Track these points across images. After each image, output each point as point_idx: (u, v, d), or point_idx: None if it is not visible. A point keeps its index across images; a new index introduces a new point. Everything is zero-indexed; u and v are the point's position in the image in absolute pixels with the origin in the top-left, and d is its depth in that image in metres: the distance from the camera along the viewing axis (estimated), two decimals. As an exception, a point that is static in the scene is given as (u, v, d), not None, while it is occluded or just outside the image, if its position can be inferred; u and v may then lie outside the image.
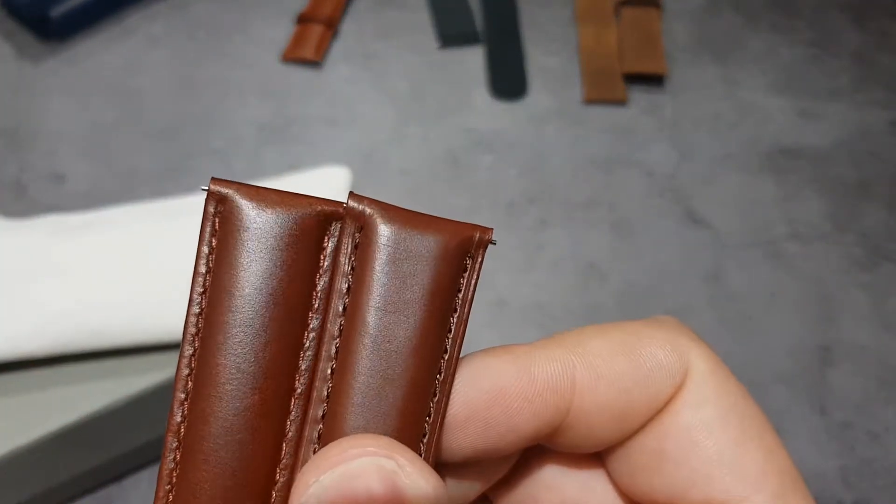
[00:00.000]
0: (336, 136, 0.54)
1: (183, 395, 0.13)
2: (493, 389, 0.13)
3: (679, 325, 0.15)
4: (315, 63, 0.58)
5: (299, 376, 0.13)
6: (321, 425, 0.13)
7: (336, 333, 0.13)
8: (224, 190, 0.13)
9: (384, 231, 0.13)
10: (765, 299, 0.46)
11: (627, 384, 0.14)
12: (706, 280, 0.47)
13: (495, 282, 0.47)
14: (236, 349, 0.12)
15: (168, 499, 0.13)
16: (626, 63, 0.57)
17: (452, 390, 0.13)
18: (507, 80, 0.57)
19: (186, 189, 0.48)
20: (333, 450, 0.12)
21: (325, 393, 0.13)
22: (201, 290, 0.13)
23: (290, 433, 0.13)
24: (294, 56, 0.58)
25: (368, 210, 0.13)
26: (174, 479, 0.13)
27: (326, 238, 0.13)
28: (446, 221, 0.13)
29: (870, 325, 0.45)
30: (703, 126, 0.55)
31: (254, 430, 0.13)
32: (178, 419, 0.13)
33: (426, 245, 0.13)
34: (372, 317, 0.13)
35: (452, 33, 0.59)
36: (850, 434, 0.41)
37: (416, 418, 0.13)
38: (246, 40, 0.59)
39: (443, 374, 0.13)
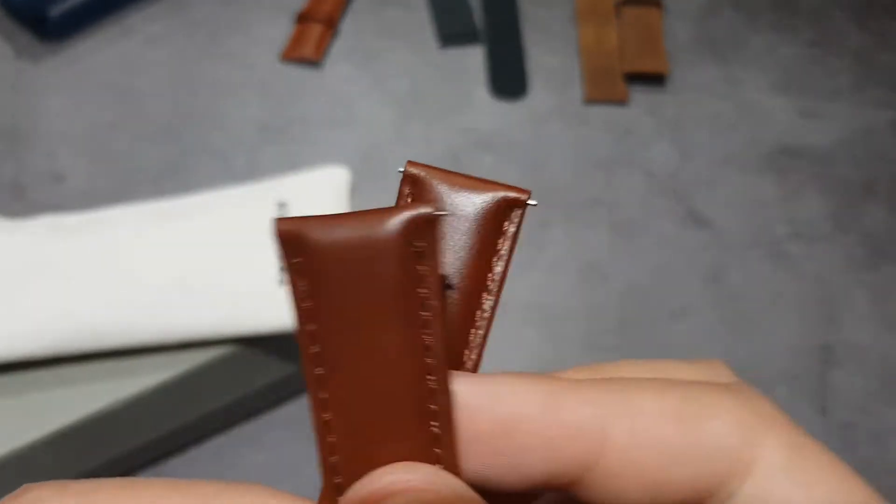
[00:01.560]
0: (336, 135, 0.54)
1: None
2: (509, 418, 0.12)
3: (755, 397, 0.13)
4: (315, 62, 0.57)
5: (470, 352, 0.13)
6: (335, 457, 0.13)
7: (314, 369, 0.13)
8: (417, 171, 0.13)
9: (323, 244, 0.12)
10: (766, 299, 0.46)
11: (671, 454, 0.12)
12: (707, 280, 0.47)
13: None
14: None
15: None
16: (627, 62, 0.57)
17: (469, 406, 0.13)
18: (508, 80, 0.57)
19: (186, 188, 0.48)
20: (373, 480, 0.12)
21: (326, 425, 0.13)
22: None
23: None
24: (294, 55, 0.57)
25: (296, 227, 0.12)
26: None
27: (507, 223, 0.13)
28: (381, 211, 0.12)
29: (872, 325, 0.45)
30: (705, 126, 0.55)
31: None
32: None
33: (371, 242, 0.12)
34: (341, 343, 0.12)
35: (452, 32, 0.59)
36: (852, 434, 0.41)
37: (418, 433, 0.12)
38: (245, 40, 0.59)
39: (434, 375, 0.12)
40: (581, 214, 0.50)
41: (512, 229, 0.14)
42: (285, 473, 0.40)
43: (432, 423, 0.12)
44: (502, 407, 0.12)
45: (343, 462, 0.13)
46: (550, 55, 0.58)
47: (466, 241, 0.13)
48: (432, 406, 0.12)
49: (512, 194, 0.14)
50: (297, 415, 0.42)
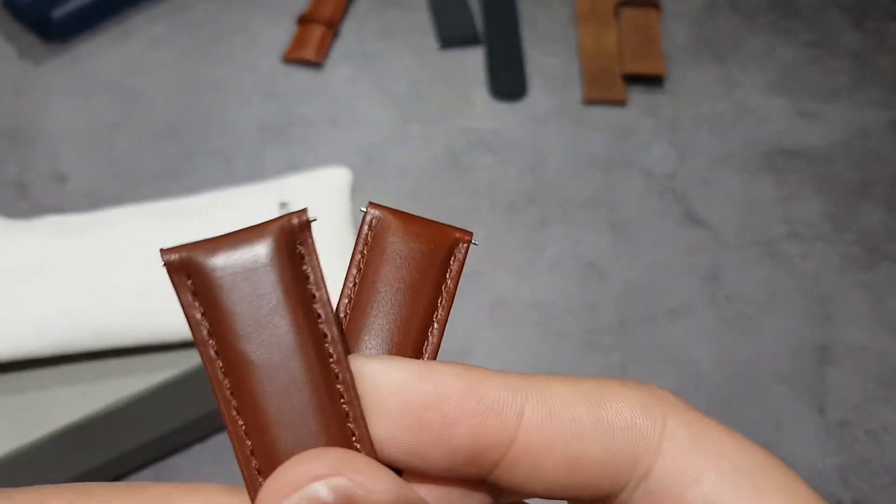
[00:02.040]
0: (337, 136, 0.54)
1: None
2: (434, 392, 0.13)
3: (656, 388, 0.14)
4: (316, 63, 0.58)
5: (425, 353, 0.15)
6: (249, 441, 0.14)
7: (221, 377, 0.14)
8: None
9: (211, 265, 0.14)
10: (764, 299, 0.46)
11: (582, 432, 0.13)
12: (705, 280, 0.47)
13: (495, 281, 0.47)
14: (378, 324, 0.15)
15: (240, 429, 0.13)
16: (626, 63, 0.57)
17: (395, 385, 0.14)
18: (507, 81, 0.57)
19: (188, 189, 0.49)
20: (286, 474, 0.12)
21: (238, 421, 0.14)
22: (352, 284, 0.15)
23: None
24: (295, 56, 0.58)
25: (185, 254, 0.14)
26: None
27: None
28: (260, 226, 0.14)
29: (868, 324, 0.45)
30: (703, 126, 0.55)
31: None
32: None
33: (254, 257, 0.14)
34: (241, 349, 0.13)
35: (452, 34, 0.60)
36: (849, 433, 0.41)
37: (330, 414, 0.14)
38: (247, 41, 0.59)
39: (335, 358, 0.14)
40: (580, 214, 0.50)
41: (460, 256, 0.16)
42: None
43: (342, 402, 0.13)
44: (428, 385, 0.13)
45: (261, 459, 0.13)
46: (550, 56, 0.59)
47: (424, 263, 0.15)
48: (339, 386, 0.13)
49: (458, 234, 0.16)
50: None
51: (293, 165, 0.52)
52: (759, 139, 0.54)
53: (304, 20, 0.60)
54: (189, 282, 0.13)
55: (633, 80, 0.57)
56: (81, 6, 0.58)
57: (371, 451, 0.13)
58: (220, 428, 0.41)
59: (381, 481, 0.12)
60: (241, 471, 0.14)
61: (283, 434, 0.13)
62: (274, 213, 0.39)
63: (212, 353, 0.13)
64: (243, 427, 0.13)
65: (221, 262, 0.13)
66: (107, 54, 0.58)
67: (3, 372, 0.36)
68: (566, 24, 0.61)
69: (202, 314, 0.13)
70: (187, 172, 0.52)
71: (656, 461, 0.13)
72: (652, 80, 0.57)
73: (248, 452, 0.13)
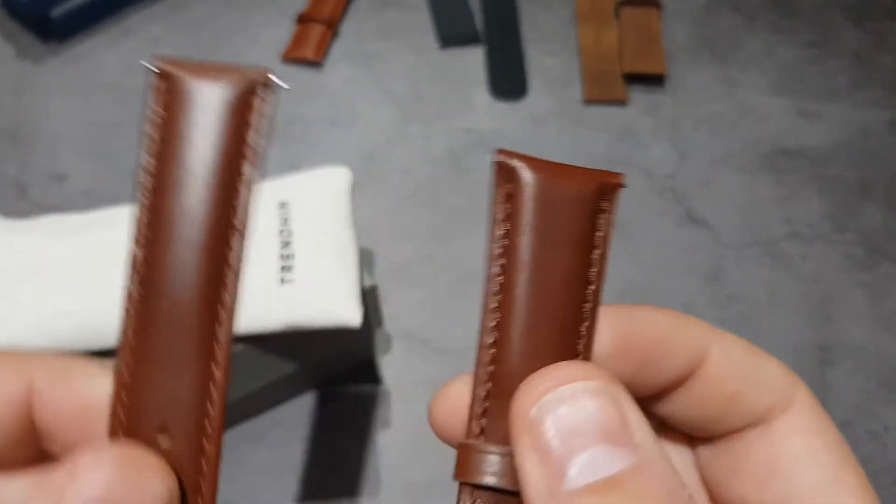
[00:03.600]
0: (337, 135, 0.54)
1: (142, 232, 0.14)
2: (657, 334, 0.16)
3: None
4: (315, 63, 0.58)
5: (236, 217, 0.14)
6: (495, 350, 0.15)
7: (498, 272, 0.15)
8: (166, 66, 0.14)
9: (532, 181, 0.15)
10: (764, 299, 0.46)
11: (747, 374, 0.16)
12: (706, 279, 0.47)
13: (495, 281, 0.47)
14: (181, 195, 0.14)
15: (129, 312, 0.14)
16: (626, 63, 0.57)
17: (624, 322, 0.16)
18: (508, 80, 0.57)
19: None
20: (560, 371, 0.14)
21: (494, 324, 0.15)
22: (153, 152, 0.14)
23: (235, 259, 0.14)
24: (294, 56, 0.58)
25: (516, 163, 0.15)
26: (135, 300, 0.14)
27: (257, 101, 0.15)
28: (582, 169, 0.15)
29: (869, 324, 0.45)
30: (703, 126, 0.55)
31: (199, 262, 0.14)
32: (136, 252, 0.14)
33: (568, 190, 0.15)
34: (528, 257, 0.15)
35: (452, 34, 0.60)
36: (850, 433, 0.41)
37: (571, 341, 0.15)
38: (246, 40, 0.59)
39: (591, 303, 0.15)
40: (580, 214, 0.50)
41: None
42: (287, 471, 0.40)
43: (578, 342, 0.15)
44: (655, 328, 0.16)
45: (498, 369, 0.15)
46: (550, 56, 0.59)
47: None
48: (582, 329, 0.15)
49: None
50: (297, 413, 0.42)
51: (293, 165, 0.52)
52: (760, 139, 0.54)
53: (303, 20, 0.59)
54: (508, 185, 0.15)
55: (634, 79, 0.57)
56: (80, 6, 0.57)
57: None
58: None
59: (633, 400, 0.14)
60: (474, 389, 0.15)
61: (525, 361, 0.14)
62: (274, 213, 0.39)
63: (500, 261, 0.15)
64: (494, 346, 0.15)
65: (541, 183, 0.15)
66: (105, 54, 0.58)
67: (2, 372, 0.36)
68: (566, 24, 0.61)
69: (507, 221, 0.15)
70: (187, 172, 0.51)
71: (783, 414, 0.16)
72: (652, 80, 0.57)
73: (488, 373, 0.15)
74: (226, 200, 0.14)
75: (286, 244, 0.38)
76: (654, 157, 0.53)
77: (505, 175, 0.15)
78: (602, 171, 0.15)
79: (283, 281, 0.37)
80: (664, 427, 0.18)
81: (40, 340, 0.36)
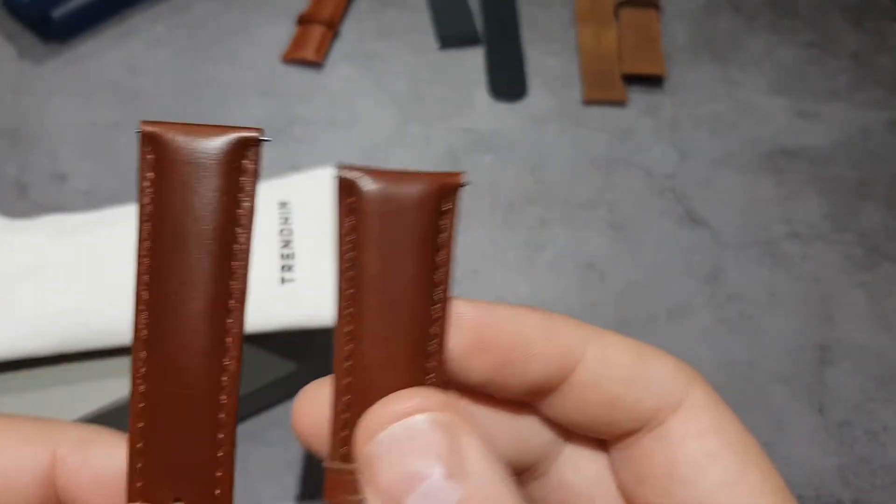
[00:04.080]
0: (337, 136, 0.54)
1: (142, 307, 0.15)
2: (520, 334, 0.16)
3: (687, 364, 0.17)
4: (316, 63, 0.58)
5: (234, 281, 0.15)
6: (350, 361, 0.15)
7: (346, 286, 0.15)
8: (153, 129, 0.14)
9: (372, 191, 0.15)
10: (764, 299, 0.46)
11: (626, 378, 0.16)
12: (705, 279, 0.47)
13: (495, 281, 0.47)
14: (178, 264, 0.14)
15: (140, 389, 0.14)
16: (626, 63, 0.57)
17: (484, 319, 0.16)
18: (507, 81, 0.57)
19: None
20: (391, 405, 0.14)
21: (347, 337, 0.15)
22: (146, 218, 0.15)
23: (235, 327, 0.15)
24: (295, 56, 0.58)
25: (355, 175, 0.15)
26: (143, 373, 0.15)
27: (246, 161, 0.15)
28: (421, 174, 0.15)
29: (868, 324, 0.45)
30: (703, 126, 0.55)
31: (201, 330, 0.14)
32: (140, 327, 0.14)
33: (408, 196, 0.15)
34: (375, 269, 0.15)
35: (452, 34, 0.60)
36: (849, 433, 0.41)
37: (422, 345, 0.15)
38: (247, 41, 0.59)
39: (440, 304, 0.15)
40: (580, 214, 0.50)
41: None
42: (287, 471, 0.40)
43: (430, 343, 0.15)
44: (511, 325, 0.16)
45: (355, 383, 0.15)
46: (549, 56, 0.59)
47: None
48: (433, 330, 0.15)
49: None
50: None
51: (293, 165, 0.52)
52: (760, 139, 0.54)
53: (303, 20, 0.60)
54: (350, 200, 0.15)
55: (633, 80, 0.57)
56: (81, 6, 0.58)
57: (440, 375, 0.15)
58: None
59: (474, 427, 0.14)
60: (334, 403, 0.15)
61: (380, 370, 0.15)
62: (273, 213, 0.39)
63: (348, 274, 0.15)
64: (348, 358, 0.15)
65: (383, 192, 0.15)
66: (107, 54, 0.58)
67: (2, 371, 0.36)
68: (566, 24, 0.61)
69: (352, 235, 0.15)
70: (187, 172, 0.51)
71: (672, 415, 0.16)
72: (652, 81, 0.57)
73: (345, 385, 0.15)
74: (223, 266, 0.14)
75: (286, 243, 0.38)
76: (654, 157, 0.53)
77: (346, 189, 0.15)
78: (442, 173, 0.15)
79: (283, 280, 0.37)
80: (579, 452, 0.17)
81: (40, 340, 0.36)
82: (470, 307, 0.16)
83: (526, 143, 0.54)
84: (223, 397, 0.14)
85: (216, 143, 0.14)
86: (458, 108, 0.56)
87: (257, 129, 0.15)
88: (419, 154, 0.53)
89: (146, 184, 0.14)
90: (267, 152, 0.56)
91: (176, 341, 0.14)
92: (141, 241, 0.14)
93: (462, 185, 0.15)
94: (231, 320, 0.14)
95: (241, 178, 0.14)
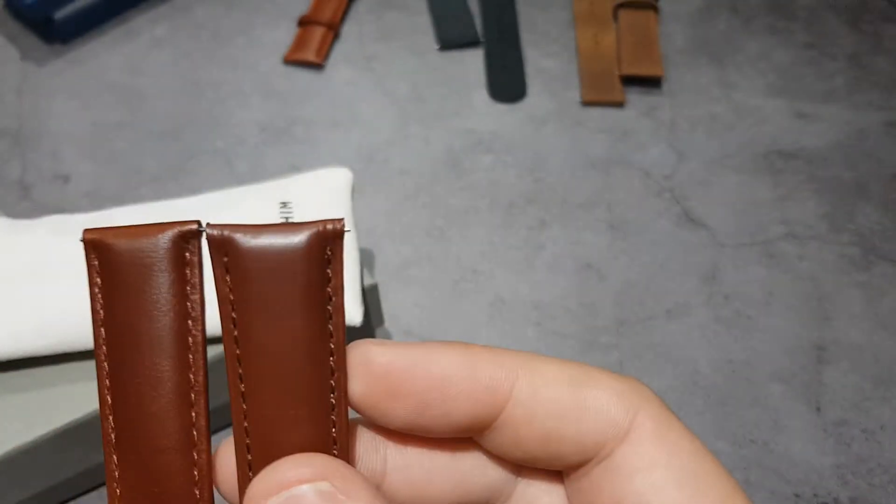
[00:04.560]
0: (337, 137, 0.54)
1: (108, 411, 0.15)
2: (436, 375, 0.15)
3: (636, 382, 0.15)
4: (316, 65, 0.58)
5: (192, 374, 0.15)
6: (247, 422, 0.14)
7: (234, 348, 0.14)
8: (94, 236, 0.14)
9: (248, 247, 0.14)
10: (761, 299, 0.47)
11: (561, 411, 0.15)
12: (703, 279, 0.47)
13: (494, 281, 0.47)
14: (136, 365, 0.14)
15: (116, 493, 0.15)
16: (624, 65, 0.58)
17: (395, 363, 0.15)
18: (507, 83, 0.57)
19: (189, 190, 0.49)
20: (273, 475, 0.13)
21: (241, 399, 0.14)
22: (100, 324, 0.15)
23: (200, 420, 0.15)
24: (296, 58, 0.58)
25: (227, 233, 0.14)
26: (116, 476, 0.15)
27: (188, 254, 0.15)
28: (299, 224, 0.14)
29: (865, 324, 0.46)
30: (700, 127, 0.55)
31: (167, 427, 0.14)
32: (109, 430, 0.15)
33: (287, 248, 0.14)
34: (259, 328, 0.14)
35: (452, 36, 0.60)
36: (846, 432, 0.41)
37: (320, 403, 0.14)
38: (248, 42, 0.59)
39: (335, 356, 0.14)
40: (578, 215, 0.50)
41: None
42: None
43: (331, 395, 0.14)
44: (431, 366, 0.15)
45: (255, 443, 0.14)
46: (548, 58, 0.59)
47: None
48: (332, 381, 0.14)
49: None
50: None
51: (294, 166, 0.52)
52: (757, 140, 0.55)
53: (304, 22, 0.60)
54: (225, 259, 0.14)
55: (632, 81, 0.57)
56: (83, 8, 0.58)
57: (347, 448, 0.15)
58: (222, 426, 0.42)
59: (362, 491, 0.13)
60: (237, 463, 0.14)
61: (279, 428, 0.14)
62: (275, 213, 0.39)
63: (233, 334, 0.14)
64: (245, 418, 0.14)
65: (259, 247, 0.14)
66: (109, 55, 0.58)
67: (4, 370, 0.36)
68: (565, 26, 0.61)
69: (231, 294, 0.14)
70: (188, 173, 0.52)
71: (620, 446, 0.15)
72: (650, 82, 0.57)
73: (245, 445, 0.14)
74: (180, 362, 0.14)
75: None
76: (652, 158, 0.53)
77: (220, 248, 0.14)
78: (319, 221, 0.14)
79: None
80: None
81: (40, 340, 0.36)
82: (379, 350, 0.15)
83: (525, 143, 0.54)
84: (197, 492, 0.14)
85: (157, 242, 0.14)
86: (458, 109, 0.56)
87: (194, 222, 0.14)
88: (419, 154, 0.53)
89: (95, 290, 0.14)
90: (267, 153, 0.56)
91: (143, 442, 0.14)
92: (97, 347, 0.14)
93: (345, 231, 0.14)
94: (195, 413, 0.14)
95: (185, 271, 0.14)
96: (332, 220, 0.14)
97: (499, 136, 0.54)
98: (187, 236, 0.14)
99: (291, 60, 0.58)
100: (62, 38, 0.58)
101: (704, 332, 0.45)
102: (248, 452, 0.14)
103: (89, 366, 0.37)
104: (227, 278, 0.14)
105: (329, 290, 0.14)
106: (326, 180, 0.42)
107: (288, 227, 0.14)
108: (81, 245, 0.14)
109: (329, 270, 0.14)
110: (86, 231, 0.14)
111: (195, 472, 0.14)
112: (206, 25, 0.60)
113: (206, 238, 0.14)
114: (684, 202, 0.51)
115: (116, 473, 0.14)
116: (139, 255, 0.14)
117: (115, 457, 0.14)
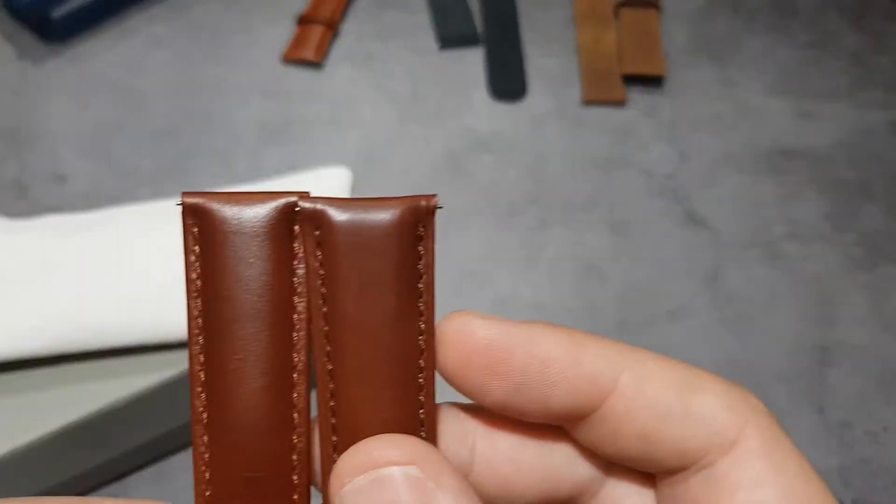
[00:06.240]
0: (336, 136, 0.54)
1: (199, 388, 0.14)
2: (539, 356, 0.14)
3: (747, 392, 0.15)
4: (316, 64, 0.58)
5: (296, 353, 0.14)
6: (334, 401, 0.14)
7: (323, 324, 0.14)
8: (195, 200, 0.14)
9: (340, 222, 0.14)
10: (764, 299, 0.46)
11: (665, 412, 0.14)
12: (705, 280, 0.47)
13: (495, 281, 0.47)
14: (235, 340, 0.14)
15: (205, 476, 0.14)
16: (625, 64, 0.57)
17: (496, 339, 0.14)
18: (507, 82, 0.57)
19: (187, 188, 0.49)
20: (361, 455, 0.13)
21: (329, 376, 0.14)
22: (196, 294, 0.14)
23: (301, 402, 0.14)
24: (295, 57, 0.58)
25: (320, 206, 0.14)
26: (206, 459, 0.14)
27: (297, 227, 0.14)
28: (391, 199, 0.14)
29: (868, 325, 0.45)
30: (702, 127, 0.55)
31: (266, 407, 0.14)
32: (200, 409, 0.14)
33: (379, 224, 0.14)
34: (350, 304, 0.14)
35: (452, 35, 0.60)
36: (849, 433, 0.41)
37: (408, 383, 0.14)
38: (247, 41, 0.59)
39: (425, 335, 0.14)
40: (580, 215, 0.50)
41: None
42: None
43: (419, 376, 0.14)
44: (537, 347, 0.14)
45: (341, 423, 0.14)
46: (549, 57, 0.59)
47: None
48: (421, 362, 0.14)
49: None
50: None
51: (293, 165, 0.52)
52: (759, 140, 0.54)
53: (303, 20, 0.60)
54: (317, 233, 0.14)
55: (633, 80, 0.57)
56: (81, 6, 0.58)
57: (434, 432, 0.14)
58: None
59: (451, 479, 0.13)
60: (321, 444, 0.14)
61: (367, 408, 0.14)
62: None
63: (322, 310, 0.14)
64: (332, 398, 0.14)
65: (352, 222, 0.14)
66: (107, 54, 0.58)
67: (2, 371, 0.36)
68: (566, 25, 0.61)
69: (321, 269, 0.14)
70: (187, 172, 0.52)
71: (724, 457, 0.14)
72: (651, 81, 0.57)
73: (331, 426, 0.14)
74: (283, 339, 0.14)
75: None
76: (654, 158, 0.53)
77: (312, 221, 0.14)
78: (414, 196, 0.14)
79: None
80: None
81: (41, 340, 0.36)
82: (481, 323, 0.14)
83: (526, 143, 0.54)
84: (295, 477, 0.14)
85: (263, 211, 0.14)
86: (458, 108, 0.56)
87: (301, 193, 0.14)
88: (419, 154, 0.53)
89: (192, 258, 0.14)
90: (266, 152, 0.56)
91: (239, 422, 0.13)
92: (191, 318, 0.14)
93: (437, 208, 0.14)
94: (296, 394, 0.14)
95: (293, 244, 0.14)
96: (426, 196, 0.14)
97: (499, 135, 0.54)
98: (295, 207, 0.14)
99: (290, 59, 0.58)
100: (60, 37, 0.58)
101: (707, 334, 0.45)
102: (334, 433, 0.14)
103: (89, 366, 0.37)
104: (318, 253, 0.14)
105: (420, 267, 0.14)
106: (326, 180, 0.42)
107: (380, 202, 0.14)
108: (179, 208, 0.14)
109: (421, 247, 0.14)
110: (185, 194, 0.14)
111: (294, 457, 0.14)
112: (205, 24, 0.60)
113: (300, 211, 0.14)
114: (686, 202, 0.51)
115: (207, 456, 0.14)
116: (246, 223, 0.14)
117: (205, 437, 0.14)
